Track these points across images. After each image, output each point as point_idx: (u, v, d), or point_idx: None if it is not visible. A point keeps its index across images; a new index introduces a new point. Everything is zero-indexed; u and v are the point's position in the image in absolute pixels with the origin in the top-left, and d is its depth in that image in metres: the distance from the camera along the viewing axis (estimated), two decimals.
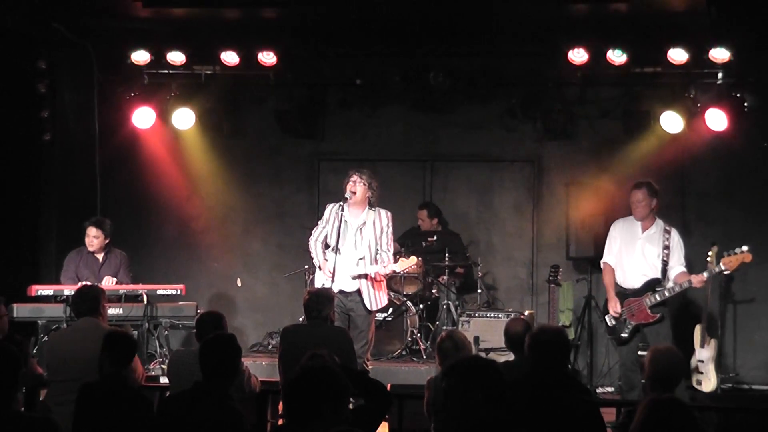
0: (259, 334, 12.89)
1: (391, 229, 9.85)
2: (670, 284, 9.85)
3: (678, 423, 4.69)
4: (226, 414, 5.72)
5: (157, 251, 13.06)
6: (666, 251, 9.92)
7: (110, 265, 11.02)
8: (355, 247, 9.69)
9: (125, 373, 6.71)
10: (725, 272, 9.79)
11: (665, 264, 9.90)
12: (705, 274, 9.70)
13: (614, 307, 9.96)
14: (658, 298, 9.78)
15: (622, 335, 9.95)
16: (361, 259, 9.69)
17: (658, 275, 9.91)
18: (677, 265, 9.93)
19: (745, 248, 9.59)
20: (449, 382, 4.52)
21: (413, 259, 10.09)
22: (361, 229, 9.71)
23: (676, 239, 10.00)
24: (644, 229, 10.07)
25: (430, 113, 12.94)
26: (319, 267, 9.85)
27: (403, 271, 10.38)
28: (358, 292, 9.65)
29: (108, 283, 10.66)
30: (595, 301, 12.23)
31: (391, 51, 12.32)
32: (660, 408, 4.74)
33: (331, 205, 9.95)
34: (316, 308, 8.25)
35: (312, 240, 9.97)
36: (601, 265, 10.39)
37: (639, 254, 10.04)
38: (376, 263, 9.75)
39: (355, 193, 9.67)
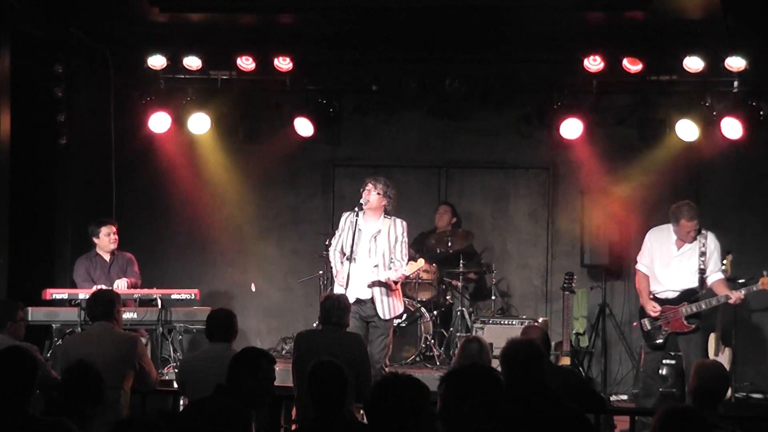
0: (272, 339, 12.91)
1: (406, 239, 9.65)
2: (707, 295, 9.71)
3: None
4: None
5: (172, 255, 13.07)
6: (702, 258, 9.72)
7: (118, 264, 10.96)
8: (369, 255, 9.57)
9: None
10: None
11: (702, 273, 9.73)
12: (743, 292, 9.64)
13: (652, 308, 9.79)
14: (694, 309, 9.64)
15: (657, 341, 9.83)
16: (375, 266, 9.55)
17: (695, 285, 9.74)
18: (714, 272, 9.77)
19: None
20: (447, 388, 4.50)
21: (421, 262, 9.85)
22: (375, 237, 9.57)
23: (712, 245, 9.78)
24: (680, 245, 9.85)
25: (445, 120, 12.94)
26: (335, 276, 9.79)
27: (413, 273, 10.30)
28: (372, 300, 9.51)
29: (121, 285, 10.64)
30: (609, 309, 12.24)
31: (407, 57, 12.35)
32: (675, 417, 4.73)
33: (346, 213, 9.80)
34: (334, 314, 8.24)
35: (331, 251, 9.84)
36: (635, 269, 10.20)
37: (674, 270, 9.86)
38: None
39: (369, 200, 9.55)
